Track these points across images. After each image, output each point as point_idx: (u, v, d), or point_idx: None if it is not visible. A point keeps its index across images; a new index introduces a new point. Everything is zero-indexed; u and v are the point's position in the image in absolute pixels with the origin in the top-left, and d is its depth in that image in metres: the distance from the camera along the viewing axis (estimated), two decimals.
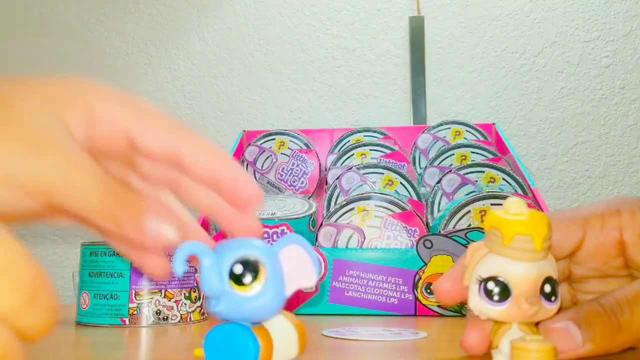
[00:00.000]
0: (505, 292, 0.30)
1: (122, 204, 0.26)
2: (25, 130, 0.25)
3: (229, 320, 0.29)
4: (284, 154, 0.89)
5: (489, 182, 0.75)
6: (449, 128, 0.91)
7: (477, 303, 0.31)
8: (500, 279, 0.30)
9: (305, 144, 0.90)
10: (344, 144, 0.92)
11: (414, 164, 0.89)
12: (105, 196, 0.25)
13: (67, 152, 0.25)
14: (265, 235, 0.65)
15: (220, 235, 0.66)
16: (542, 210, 0.69)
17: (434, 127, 0.92)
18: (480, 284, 0.31)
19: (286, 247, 0.29)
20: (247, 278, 0.27)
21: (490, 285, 0.30)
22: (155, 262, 0.30)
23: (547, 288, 0.30)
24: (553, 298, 0.31)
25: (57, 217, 0.28)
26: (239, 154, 0.91)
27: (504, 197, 0.67)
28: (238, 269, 0.27)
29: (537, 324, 0.32)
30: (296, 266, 0.29)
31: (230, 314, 0.28)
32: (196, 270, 0.57)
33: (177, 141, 0.28)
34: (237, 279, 0.27)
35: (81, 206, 0.25)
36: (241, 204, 0.29)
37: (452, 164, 0.82)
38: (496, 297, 0.30)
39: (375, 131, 0.93)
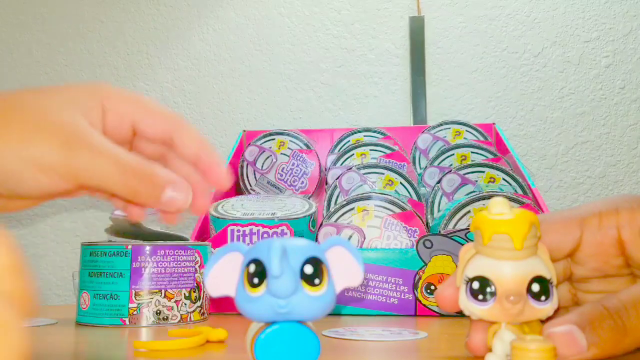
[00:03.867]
0: (488, 291, 0.30)
1: (141, 180, 0.33)
2: (57, 128, 0.32)
3: (287, 320, 0.29)
4: (284, 154, 0.89)
5: (489, 182, 0.75)
6: (449, 128, 0.91)
7: (465, 303, 0.31)
8: (484, 278, 0.30)
9: (305, 144, 0.90)
10: (344, 144, 0.92)
11: (414, 164, 0.89)
12: (126, 175, 0.32)
13: (91, 143, 0.32)
14: (265, 236, 0.65)
15: (218, 237, 0.66)
16: (542, 211, 0.69)
17: (434, 127, 0.92)
18: (467, 284, 0.31)
19: (332, 248, 0.29)
20: (317, 278, 0.28)
21: (475, 285, 0.31)
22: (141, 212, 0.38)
23: (535, 287, 0.30)
24: (543, 297, 0.30)
25: (85, 193, 0.36)
26: (239, 154, 0.91)
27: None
28: (309, 269, 0.28)
29: (544, 323, 0.31)
30: (341, 266, 0.30)
31: (299, 314, 0.28)
32: (196, 270, 0.57)
33: (171, 129, 0.37)
34: (308, 279, 0.28)
35: (106, 185, 0.32)
36: (213, 180, 0.38)
37: (452, 164, 0.82)
38: (480, 297, 0.30)
39: (375, 131, 0.93)
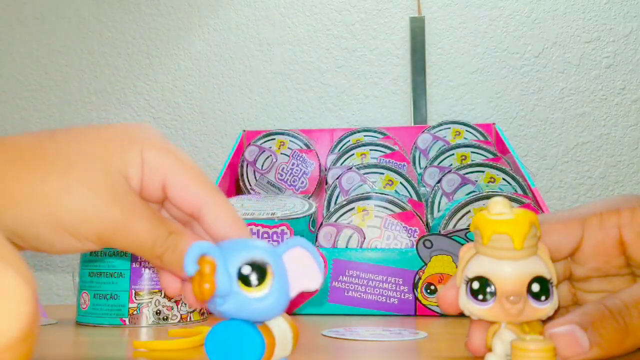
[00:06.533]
0: (489, 291, 0.30)
1: (169, 250, 0.30)
2: (90, 187, 0.29)
3: (234, 319, 0.29)
4: (284, 154, 0.89)
5: (489, 182, 0.75)
6: (449, 128, 0.91)
7: (465, 303, 0.31)
8: (484, 278, 0.30)
9: (305, 144, 0.90)
10: (344, 144, 0.92)
11: (414, 164, 0.89)
12: (155, 244, 0.30)
13: (125, 207, 0.29)
14: (265, 236, 0.65)
15: None
16: (542, 211, 0.69)
17: (434, 127, 0.92)
18: (467, 284, 0.31)
19: (291, 250, 0.30)
20: (255, 280, 0.28)
21: (475, 285, 0.31)
22: (175, 285, 0.33)
23: (535, 287, 0.30)
24: (543, 298, 0.30)
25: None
26: (239, 154, 0.91)
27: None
28: (246, 270, 0.28)
29: (544, 323, 0.31)
30: (300, 268, 0.30)
31: (236, 313, 0.28)
32: None
33: (202, 200, 0.32)
34: (245, 280, 0.28)
35: (135, 250, 0.30)
36: None
37: (452, 164, 0.82)
38: (480, 297, 0.30)
39: (375, 131, 0.93)
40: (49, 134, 0.31)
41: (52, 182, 0.29)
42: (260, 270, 0.28)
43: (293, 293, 0.29)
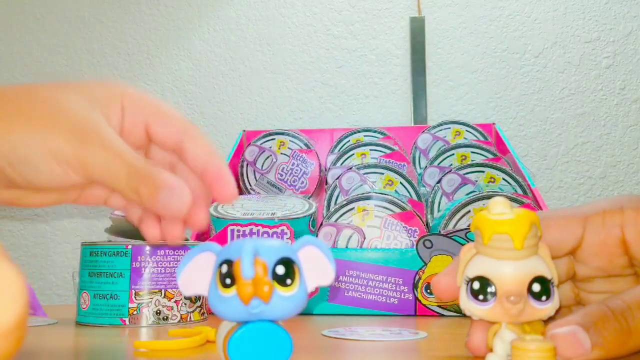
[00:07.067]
0: (489, 291, 0.30)
1: (143, 180, 0.33)
2: (74, 122, 0.33)
3: (259, 319, 0.29)
4: (284, 154, 0.89)
5: (489, 182, 0.75)
6: (449, 128, 0.91)
7: (466, 303, 0.31)
8: (484, 278, 0.30)
9: (305, 144, 0.90)
10: (344, 144, 0.92)
11: (414, 164, 0.89)
12: (130, 172, 0.33)
13: (104, 139, 0.33)
14: (265, 236, 0.65)
15: (218, 237, 0.66)
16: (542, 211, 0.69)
17: (434, 127, 0.92)
18: (467, 284, 0.31)
19: (303, 248, 0.30)
20: (289, 279, 0.28)
21: (476, 285, 0.31)
22: (170, 230, 0.37)
23: (536, 287, 0.30)
24: (544, 298, 0.30)
25: (94, 187, 0.37)
26: (239, 154, 0.91)
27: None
28: (281, 270, 0.28)
29: (546, 323, 0.31)
30: (313, 266, 0.30)
31: (271, 314, 0.28)
32: None
33: (182, 137, 0.36)
34: (280, 279, 0.28)
35: (112, 180, 0.33)
36: (218, 193, 0.36)
37: (452, 164, 0.82)
38: (481, 297, 0.30)
39: (375, 131, 0.93)
40: (39, 85, 0.36)
41: (42, 117, 0.33)
42: (291, 269, 0.29)
43: (309, 289, 0.30)
